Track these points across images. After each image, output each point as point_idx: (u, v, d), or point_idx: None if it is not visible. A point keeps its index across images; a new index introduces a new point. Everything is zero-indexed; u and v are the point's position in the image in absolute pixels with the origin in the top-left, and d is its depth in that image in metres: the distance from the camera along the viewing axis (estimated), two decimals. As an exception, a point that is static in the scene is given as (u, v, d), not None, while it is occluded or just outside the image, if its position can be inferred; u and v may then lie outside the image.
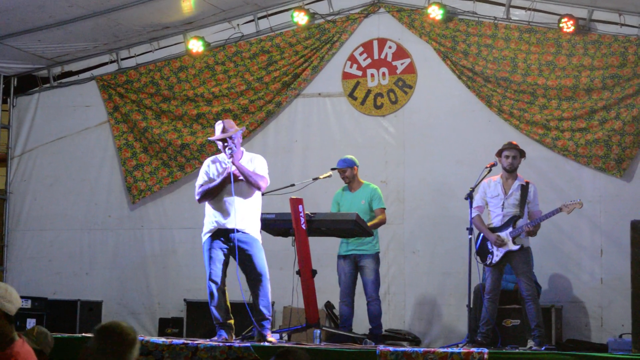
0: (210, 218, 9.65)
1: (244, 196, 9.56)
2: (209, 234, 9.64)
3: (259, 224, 9.74)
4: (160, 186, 13.92)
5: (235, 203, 9.48)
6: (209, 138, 10.12)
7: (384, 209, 11.49)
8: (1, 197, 14.61)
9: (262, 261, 9.57)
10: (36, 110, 14.75)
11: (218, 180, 9.55)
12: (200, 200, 9.75)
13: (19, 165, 14.65)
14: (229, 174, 9.45)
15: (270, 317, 9.59)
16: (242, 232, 9.51)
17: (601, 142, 12.02)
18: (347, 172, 11.49)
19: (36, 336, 6.74)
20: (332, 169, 11.55)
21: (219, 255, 9.57)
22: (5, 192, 14.63)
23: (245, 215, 9.56)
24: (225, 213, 9.54)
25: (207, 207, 9.71)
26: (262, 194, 9.87)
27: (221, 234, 9.56)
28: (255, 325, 9.70)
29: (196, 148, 13.65)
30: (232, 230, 9.47)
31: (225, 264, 9.64)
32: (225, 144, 9.56)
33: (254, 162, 9.73)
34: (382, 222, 11.42)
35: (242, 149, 9.84)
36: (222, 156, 9.77)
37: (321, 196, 12.01)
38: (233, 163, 9.44)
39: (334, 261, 11.53)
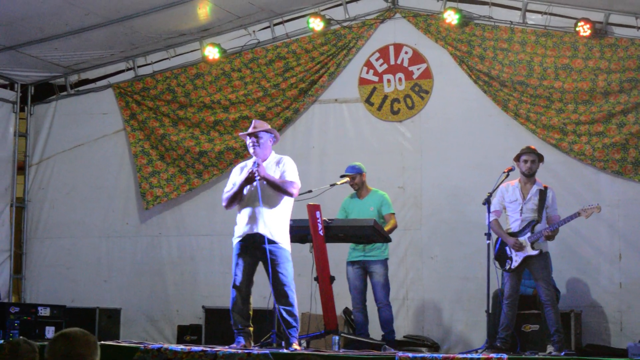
0: (239, 224, 9.51)
1: (271, 202, 9.38)
2: (238, 239, 9.50)
3: (287, 231, 9.52)
4: (178, 193, 13.93)
5: (262, 210, 9.32)
6: (240, 134, 10.03)
7: (394, 213, 11.50)
8: (19, 205, 14.65)
9: (287, 271, 9.36)
10: (53, 118, 14.82)
11: (239, 182, 9.49)
12: (226, 207, 9.62)
13: (37, 173, 14.72)
14: (250, 172, 9.35)
15: (296, 326, 9.41)
16: (270, 241, 9.31)
17: (618, 145, 11.96)
18: (357, 178, 11.51)
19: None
20: (342, 176, 11.53)
21: (245, 262, 9.43)
22: (24, 200, 14.68)
23: (272, 222, 9.36)
24: (253, 220, 9.35)
25: (237, 213, 9.62)
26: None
27: (250, 241, 9.40)
28: (275, 332, 9.71)
29: (214, 155, 13.66)
30: (260, 237, 9.30)
31: (251, 271, 9.50)
32: (253, 138, 9.50)
33: (281, 165, 9.53)
34: (395, 227, 11.42)
35: (272, 151, 9.69)
36: (251, 162, 9.67)
37: (338, 202, 11.98)
38: (259, 174, 9.27)
39: (351, 267, 11.54)
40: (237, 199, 9.51)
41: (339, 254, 11.68)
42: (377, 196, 11.52)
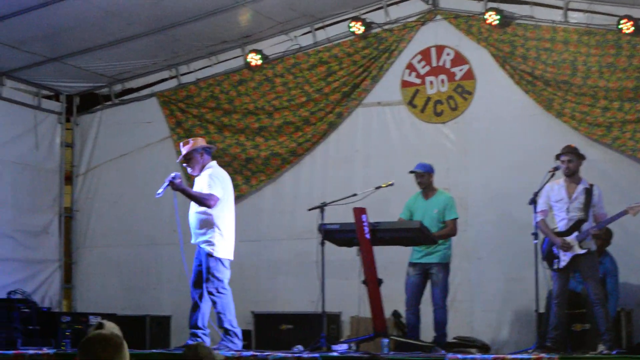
0: None
1: (195, 209, 10.02)
2: None
3: (219, 239, 10.04)
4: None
5: (193, 221, 10.08)
6: (177, 160, 10.56)
7: (456, 219, 11.43)
8: (68, 215, 14.78)
9: (212, 279, 9.99)
10: (98, 128, 14.95)
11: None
12: None
13: (84, 183, 14.87)
14: (168, 183, 9.83)
15: (230, 329, 10.04)
16: (198, 245, 10.07)
17: (664, 141, 11.92)
18: (425, 177, 11.44)
19: None
20: (410, 172, 11.47)
21: (195, 267, 10.20)
22: (72, 209, 14.81)
23: (197, 228, 10.04)
24: (192, 228, 10.14)
25: None
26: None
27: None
28: (324, 336, 9.75)
29: (261, 161, 13.70)
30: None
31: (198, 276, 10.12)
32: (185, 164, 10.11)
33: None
34: (452, 234, 11.35)
35: (211, 163, 10.16)
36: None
37: (384, 205, 11.98)
38: (173, 187, 9.81)
39: (400, 269, 11.52)
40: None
41: (387, 256, 11.68)
42: (442, 198, 11.45)
